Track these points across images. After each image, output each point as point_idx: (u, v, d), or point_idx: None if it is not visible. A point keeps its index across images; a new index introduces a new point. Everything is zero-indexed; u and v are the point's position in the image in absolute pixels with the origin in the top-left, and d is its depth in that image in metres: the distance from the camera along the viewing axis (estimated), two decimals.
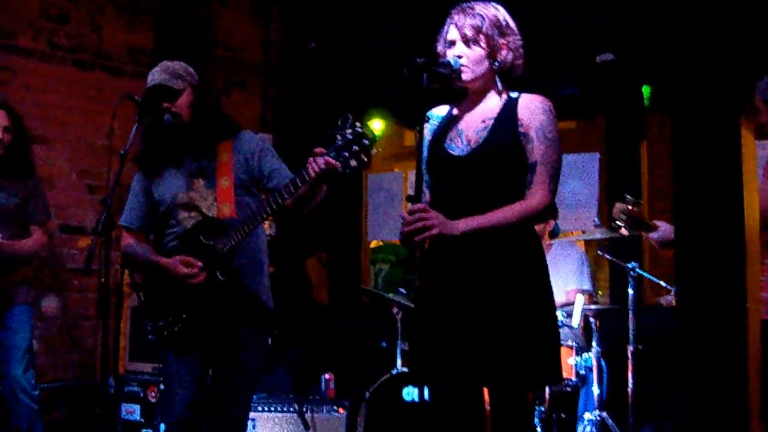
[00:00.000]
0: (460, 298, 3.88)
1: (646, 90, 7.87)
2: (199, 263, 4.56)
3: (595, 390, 6.50)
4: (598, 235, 7.06)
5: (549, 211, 3.97)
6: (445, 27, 4.04)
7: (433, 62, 3.92)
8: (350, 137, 4.18)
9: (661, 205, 8.46)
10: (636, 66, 7.78)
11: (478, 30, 3.93)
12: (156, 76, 4.68)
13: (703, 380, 6.75)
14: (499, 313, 3.81)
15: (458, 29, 3.97)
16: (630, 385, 6.47)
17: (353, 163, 4.19)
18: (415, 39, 7.95)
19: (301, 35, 9.62)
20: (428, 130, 4.15)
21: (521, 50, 4.04)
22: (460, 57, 3.95)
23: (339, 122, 4.25)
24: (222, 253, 4.53)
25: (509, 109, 3.97)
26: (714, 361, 6.70)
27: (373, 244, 10.38)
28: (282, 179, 4.59)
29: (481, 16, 3.96)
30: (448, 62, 3.95)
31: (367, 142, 4.17)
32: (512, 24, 4.04)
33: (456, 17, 4.00)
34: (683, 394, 6.83)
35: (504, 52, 3.98)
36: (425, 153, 4.08)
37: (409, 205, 3.81)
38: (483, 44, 3.94)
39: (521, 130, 3.90)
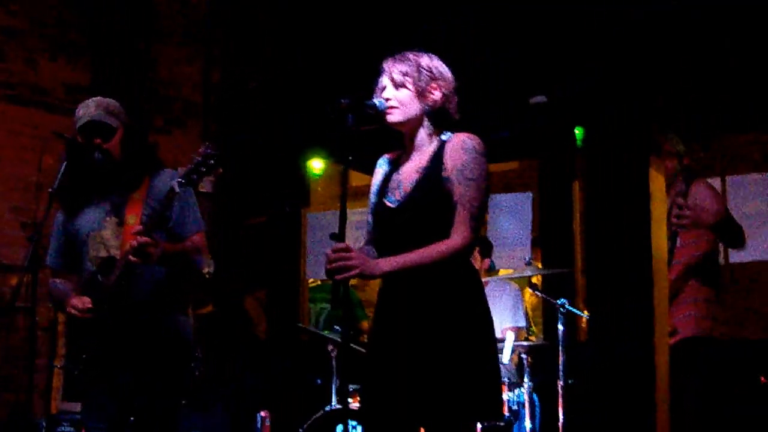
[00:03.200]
0: (401, 335, 3.94)
1: (579, 131, 7.99)
2: (89, 302, 4.57)
3: (528, 425, 6.57)
4: (529, 272, 7.18)
5: (471, 249, 4.01)
6: (381, 73, 4.12)
7: (358, 103, 3.97)
8: (199, 159, 4.31)
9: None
10: (568, 108, 7.91)
11: (405, 74, 4.01)
12: (91, 110, 4.67)
13: (616, 407, 6.89)
14: (439, 348, 3.87)
15: (388, 74, 4.05)
16: (561, 419, 6.55)
17: (200, 185, 4.41)
18: (357, 80, 8.12)
19: (241, 75, 9.68)
20: (379, 175, 4.25)
21: (452, 92, 4.11)
22: (387, 99, 4.02)
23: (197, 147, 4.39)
24: (108, 289, 4.58)
25: (438, 155, 4.02)
26: (624, 388, 6.85)
27: (312, 283, 10.41)
28: (185, 227, 4.70)
29: (410, 60, 4.03)
30: (374, 103, 4.02)
31: (212, 162, 4.30)
32: (443, 69, 4.11)
33: (387, 64, 4.08)
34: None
35: (433, 94, 4.04)
36: (372, 200, 4.20)
37: (333, 243, 3.85)
38: (410, 86, 4.01)
39: (444, 174, 3.96)
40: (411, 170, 4.08)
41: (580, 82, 7.49)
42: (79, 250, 4.78)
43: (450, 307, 3.93)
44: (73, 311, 4.60)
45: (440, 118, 4.10)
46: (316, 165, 9.72)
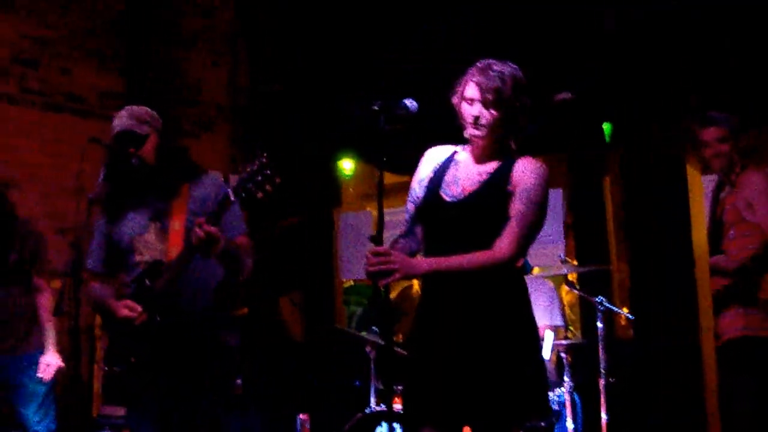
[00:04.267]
0: (447, 339, 3.96)
1: (606, 127, 7.96)
2: (139, 307, 4.58)
3: (569, 425, 6.54)
4: (565, 270, 7.14)
5: (513, 263, 4.00)
6: (464, 82, 4.10)
7: (389, 106, 4.00)
8: (254, 168, 4.28)
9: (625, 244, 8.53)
10: (595, 104, 7.88)
11: (499, 94, 3.98)
12: (123, 120, 4.72)
13: (662, 405, 6.86)
14: (486, 349, 3.90)
15: (479, 90, 4.02)
16: (604, 418, 6.52)
17: (259, 194, 4.30)
18: (384, 79, 8.11)
19: (268, 78, 9.69)
20: (429, 166, 4.26)
21: (530, 108, 4.10)
22: (477, 117, 4.01)
23: (250, 156, 4.36)
24: (156, 293, 4.59)
25: (505, 169, 4.05)
26: (671, 386, 6.82)
27: (345, 283, 10.40)
28: (232, 230, 4.67)
29: (502, 79, 4.00)
30: (405, 106, 4.03)
31: (269, 171, 4.26)
32: (525, 83, 4.09)
33: (477, 77, 4.05)
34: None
35: (519, 117, 4.05)
36: (422, 193, 4.20)
37: (373, 245, 3.89)
38: (502, 108, 4.00)
39: (509, 188, 3.99)
40: (473, 172, 4.12)
41: (607, 77, 7.47)
42: (122, 255, 4.80)
43: (496, 309, 3.95)
44: (126, 313, 4.60)
45: (518, 126, 4.10)
46: (347, 165, 9.72)
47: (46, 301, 6.35)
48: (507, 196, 3.98)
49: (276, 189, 4.33)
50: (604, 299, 6.72)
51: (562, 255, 7.58)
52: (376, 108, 3.96)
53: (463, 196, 4.06)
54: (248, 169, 4.31)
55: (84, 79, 8.57)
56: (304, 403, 8.06)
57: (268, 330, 8.89)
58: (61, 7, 8.56)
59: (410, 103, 4.04)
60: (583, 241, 8.62)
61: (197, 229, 4.36)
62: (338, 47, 9.16)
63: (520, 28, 7.97)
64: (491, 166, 4.09)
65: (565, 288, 8.27)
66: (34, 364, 6.23)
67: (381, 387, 6.89)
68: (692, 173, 7.13)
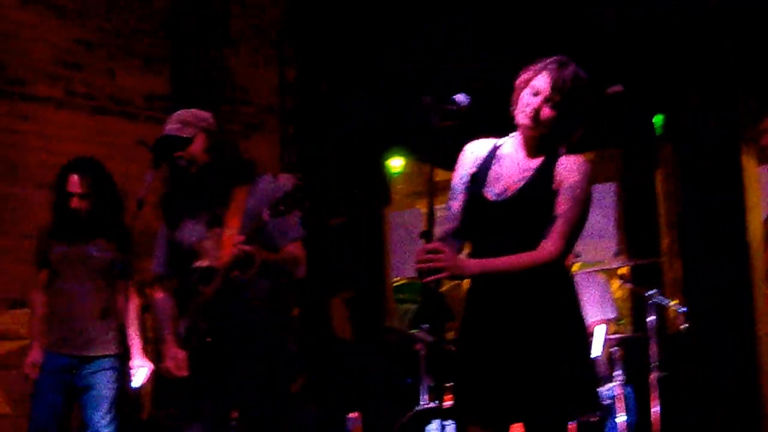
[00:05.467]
0: (497, 336, 3.94)
1: (657, 119, 7.92)
2: (184, 364, 4.68)
3: (621, 419, 6.51)
4: (617, 264, 7.10)
5: (562, 261, 3.94)
6: (537, 69, 4.02)
7: (440, 100, 3.95)
8: (288, 191, 4.36)
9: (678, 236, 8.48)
10: (647, 97, 7.84)
11: (567, 99, 3.93)
12: (169, 125, 4.76)
13: (716, 399, 6.80)
14: (536, 344, 3.88)
15: (550, 83, 3.94)
16: (656, 412, 6.49)
17: (289, 217, 4.44)
18: (431, 75, 8.11)
19: (316, 77, 9.72)
20: (469, 163, 4.19)
21: (587, 120, 4.05)
22: (537, 110, 3.94)
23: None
24: (206, 299, 4.64)
25: (548, 165, 4.00)
26: (725, 380, 6.77)
27: (396, 282, 10.41)
28: (280, 238, 4.71)
29: (577, 86, 3.95)
30: (455, 101, 3.98)
31: (300, 195, 4.34)
32: (593, 99, 4.04)
33: (554, 71, 3.97)
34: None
35: (573, 127, 4.01)
36: (464, 191, 4.14)
37: (423, 242, 3.84)
38: (562, 112, 3.94)
39: (554, 186, 3.93)
40: (516, 168, 4.05)
41: (662, 68, 7.43)
42: (182, 261, 4.83)
43: (544, 305, 3.91)
44: (170, 366, 4.70)
45: (569, 130, 4.04)
46: (396, 163, 9.73)
47: (135, 307, 6.37)
48: (552, 194, 3.92)
49: (306, 212, 4.39)
50: (656, 292, 6.68)
51: (614, 249, 7.56)
52: (425, 102, 3.91)
53: (507, 195, 4.01)
54: (283, 191, 4.38)
55: (129, 82, 8.61)
56: (356, 401, 8.07)
57: (319, 329, 8.92)
58: (105, 9, 8.62)
59: (462, 97, 3.99)
60: (635, 235, 8.58)
61: (234, 248, 4.43)
62: (387, 44, 9.17)
63: (523, 27, 7.95)
64: (535, 162, 4.03)
65: (617, 282, 8.23)
66: (108, 369, 6.23)
67: (432, 384, 6.90)
68: (748, 162, 7.08)
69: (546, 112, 3.95)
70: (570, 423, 6.06)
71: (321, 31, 9.71)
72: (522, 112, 3.98)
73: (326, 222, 8.95)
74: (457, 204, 4.16)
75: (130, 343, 6.29)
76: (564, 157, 4.01)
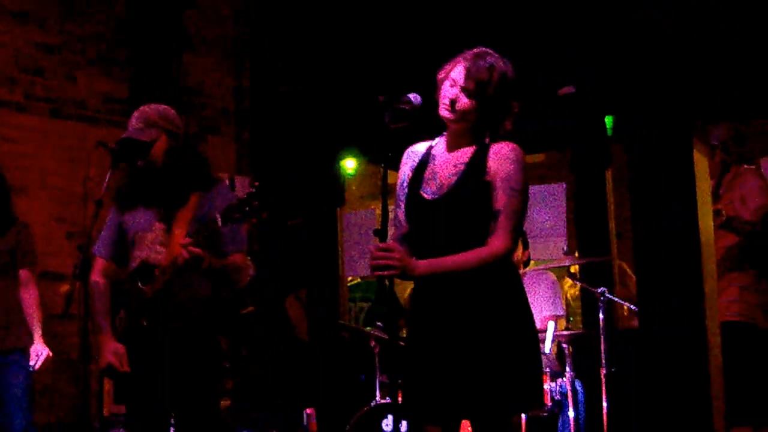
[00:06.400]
0: (442, 333, 3.98)
1: (608, 120, 8.03)
2: (125, 359, 4.74)
3: (571, 414, 6.60)
4: (567, 262, 7.22)
5: (510, 256, 4.02)
6: (455, 62, 4.07)
7: (393, 100, 4.00)
8: (244, 198, 4.37)
9: (627, 233, 8.60)
10: (598, 97, 7.95)
11: (483, 86, 3.96)
12: (131, 123, 4.79)
13: (664, 394, 6.92)
14: (481, 341, 3.91)
15: (466, 75, 3.98)
16: (605, 407, 6.60)
17: (244, 225, 4.54)
18: (387, 78, 8.19)
19: (272, 80, 9.77)
20: (408, 167, 4.23)
21: (515, 113, 4.09)
22: (454, 101, 3.99)
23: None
24: (146, 298, 4.71)
25: (480, 156, 4.01)
26: (674, 375, 6.88)
27: (351, 281, 10.49)
28: (227, 246, 4.77)
29: (491, 73, 3.98)
30: (409, 99, 4.01)
31: (257, 203, 4.34)
32: (517, 85, 4.07)
33: (469, 61, 4.02)
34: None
35: (498, 113, 4.03)
36: (403, 193, 4.20)
37: (377, 239, 3.89)
38: (480, 100, 3.97)
39: (487, 178, 3.96)
40: (448, 164, 4.09)
41: (612, 69, 7.54)
42: (127, 247, 4.90)
43: (491, 301, 3.96)
44: (111, 360, 4.76)
45: (494, 124, 4.08)
46: (350, 164, 9.80)
47: (33, 293, 6.41)
48: (486, 186, 3.96)
49: (261, 221, 4.43)
50: (605, 290, 6.80)
51: (564, 247, 7.67)
52: (380, 100, 3.97)
53: (443, 191, 4.04)
54: (238, 198, 4.41)
55: (88, 86, 8.67)
56: (311, 398, 8.14)
57: (274, 327, 8.97)
58: (65, 14, 8.66)
59: (414, 97, 4.04)
60: (585, 233, 8.68)
61: (183, 250, 4.47)
62: (341, 48, 9.25)
63: (519, 22, 8.05)
64: (466, 154, 4.06)
65: (568, 281, 8.35)
66: (17, 361, 6.29)
67: (386, 381, 6.98)
68: (699, 159, 7.19)
69: (463, 101, 3.99)
70: (522, 419, 6.23)
71: (278, 35, 9.77)
72: (442, 104, 4.04)
73: (283, 223, 9.02)
74: (401, 212, 4.21)
75: (32, 329, 6.35)
76: (494, 145, 4.02)
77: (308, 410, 7.57)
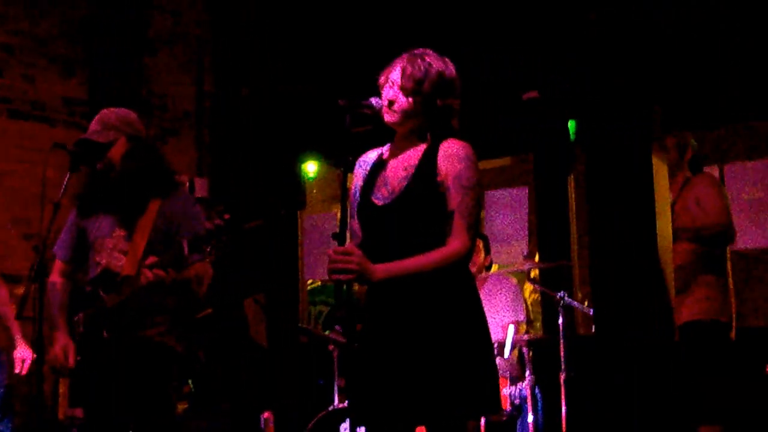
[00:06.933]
0: (395, 338, 3.93)
1: (571, 125, 8.04)
2: (72, 359, 4.72)
3: (530, 418, 6.62)
4: (528, 266, 7.24)
5: (469, 257, 3.97)
6: (393, 64, 4.06)
7: (354, 103, 3.99)
8: (212, 230, 4.36)
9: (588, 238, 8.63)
10: (561, 102, 7.96)
11: (419, 83, 3.95)
12: (91, 125, 4.77)
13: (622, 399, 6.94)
14: (434, 346, 3.86)
15: (402, 74, 3.98)
16: (563, 412, 6.61)
17: (211, 256, 4.47)
18: (348, 81, 8.18)
19: (234, 83, 9.74)
20: (360, 175, 4.20)
21: (457, 111, 4.08)
22: (391, 102, 3.99)
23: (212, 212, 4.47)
24: (108, 308, 4.67)
25: (429, 157, 3.99)
26: (631, 380, 6.90)
27: (311, 285, 10.47)
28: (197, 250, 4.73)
29: (426, 71, 3.97)
30: (370, 103, 4.00)
31: (225, 238, 4.36)
32: (456, 84, 4.06)
33: (405, 62, 4.02)
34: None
35: (438, 105, 4.01)
36: (355, 201, 4.16)
37: (335, 243, 3.86)
38: (418, 98, 3.97)
39: (439, 179, 3.94)
40: (398, 168, 4.06)
41: (574, 74, 7.55)
42: (86, 251, 4.88)
43: (443, 306, 3.92)
44: (58, 355, 4.74)
45: (438, 123, 4.07)
46: (311, 168, 9.78)
47: (6, 296, 6.34)
48: (438, 186, 3.94)
49: (227, 256, 4.42)
50: (565, 295, 6.81)
51: (525, 252, 7.68)
52: (341, 103, 3.95)
53: (394, 196, 4.01)
54: (206, 229, 4.37)
55: (48, 86, 8.61)
56: (268, 401, 8.11)
57: (232, 330, 8.94)
58: (24, 14, 8.59)
59: (376, 101, 4.02)
60: (547, 238, 8.70)
61: (147, 271, 4.43)
62: (304, 49, 9.23)
63: (485, 25, 8.08)
64: (414, 157, 4.03)
65: (529, 286, 8.36)
66: None
67: (344, 385, 6.96)
68: (659, 166, 7.21)
69: (401, 100, 3.98)
70: (481, 423, 6.22)
71: (239, 36, 9.75)
72: (384, 113, 4.02)
73: (241, 225, 8.98)
74: (354, 221, 4.18)
75: (12, 333, 6.28)
76: (443, 144, 4.01)
77: (266, 414, 7.53)
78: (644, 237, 7.00)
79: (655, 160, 7.12)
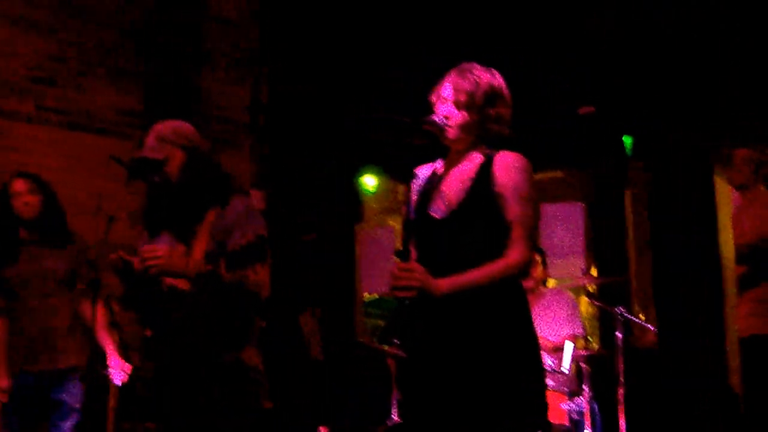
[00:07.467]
0: (444, 353, 3.92)
1: (627, 140, 8.01)
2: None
3: None
4: (585, 281, 7.20)
5: (529, 267, 3.98)
6: (442, 81, 4.09)
7: (419, 120, 4.00)
8: (252, 242, 4.39)
9: (646, 251, 8.58)
10: (617, 118, 7.94)
11: (471, 96, 3.98)
12: (145, 139, 4.71)
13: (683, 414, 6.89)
14: (482, 364, 3.85)
15: (453, 89, 4.02)
16: (623, 427, 6.57)
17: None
18: (406, 95, 8.19)
19: (290, 95, 9.76)
20: (414, 191, 4.19)
21: (509, 120, 4.09)
22: (447, 117, 4.00)
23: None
24: (175, 326, 4.60)
25: (485, 169, 3.99)
26: (693, 394, 6.85)
27: (367, 297, 10.46)
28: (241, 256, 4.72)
29: (477, 83, 4.00)
30: (434, 121, 4.00)
31: (259, 254, 4.37)
32: (506, 93, 4.08)
33: (454, 77, 4.06)
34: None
35: (491, 122, 4.03)
36: (410, 215, 4.13)
37: (398, 259, 3.86)
38: (472, 111, 3.99)
39: (497, 190, 3.93)
40: (455, 181, 4.05)
41: (631, 90, 7.53)
42: None
43: (495, 321, 3.90)
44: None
45: (491, 134, 4.08)
46: (370, 182, 9.79)
47: (102, 313, 6.33)
48: (495, 197, 3.93)
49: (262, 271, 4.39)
50: (623, 310, 6.77)
51: (582, 267, 7.66)
52: (405, 122, 3.98)
53: (450, 210, 4.00)
54: (245, 242, 4.37)
55: (101, 97, 8.61)
56: (324, 416, 8.11)
57: (288, 345, 8.95)
58: (78, 23, 8.62)
59: (439, 118, 4.02)
60: (603, 253, 8.67)
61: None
62: (360, 63, 9.25)
63: (496, 48, 8.07)
64: (470, 169, 4.03)
65: (585, 300, 8.31)
66: (76, 380, 6.22)
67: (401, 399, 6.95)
68: (720, 182, 7.18)
69: (455, 115, 4.01)
70: None
71: (296, 48, 9.78)
72: (444, 131, 4.03)
73: (298, 238, 9.00)
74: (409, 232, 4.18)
75: (104, 347, 6.29)
76: (498, 156, 4.01)
77: (322, 429, 7.53)
78: (707, 252, 6.95)
79: (717, 179, 7.09)
